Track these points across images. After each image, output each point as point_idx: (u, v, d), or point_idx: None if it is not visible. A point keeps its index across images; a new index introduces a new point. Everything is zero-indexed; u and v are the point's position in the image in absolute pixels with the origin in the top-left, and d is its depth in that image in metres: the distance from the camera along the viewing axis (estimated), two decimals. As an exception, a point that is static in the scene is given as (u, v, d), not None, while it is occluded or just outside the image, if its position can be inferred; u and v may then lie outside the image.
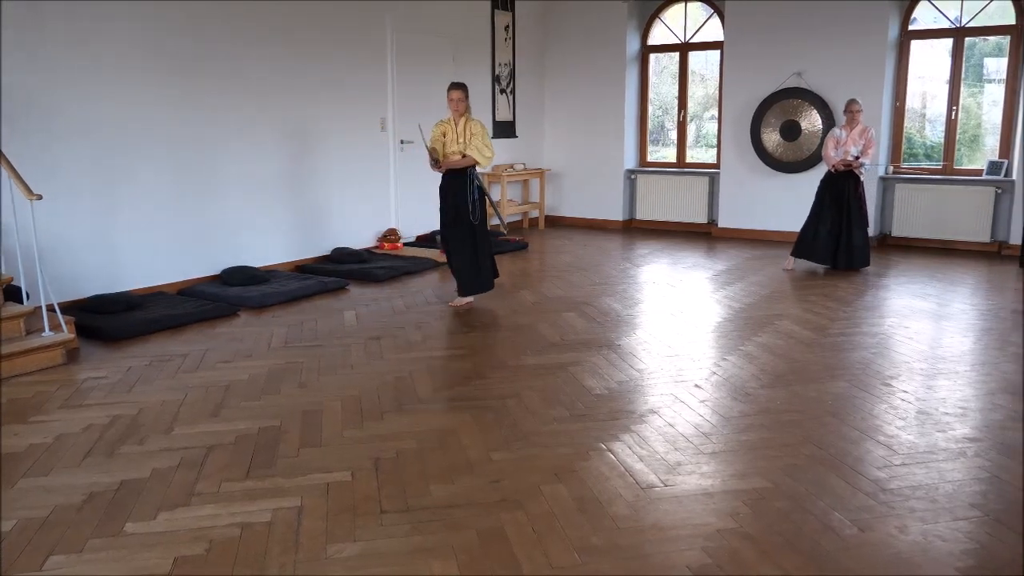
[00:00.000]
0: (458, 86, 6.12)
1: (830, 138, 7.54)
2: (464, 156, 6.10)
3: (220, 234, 7.01)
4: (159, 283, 6.58)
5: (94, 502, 3.08)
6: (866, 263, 7.57)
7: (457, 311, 6.13)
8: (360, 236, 8.40)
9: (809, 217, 7.63)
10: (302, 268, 7.58)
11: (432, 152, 6.12)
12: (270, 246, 7.46)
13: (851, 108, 7.46)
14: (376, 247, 8.50)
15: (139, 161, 6.37)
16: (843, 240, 7.48)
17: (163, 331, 5.54)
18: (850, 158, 7.39)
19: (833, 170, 7.48)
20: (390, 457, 3.45)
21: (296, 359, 4.90)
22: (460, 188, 6.18)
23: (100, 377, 4.58)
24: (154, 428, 3.81)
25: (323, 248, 7.98)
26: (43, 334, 4.83)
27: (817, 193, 7.63)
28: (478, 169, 6.23)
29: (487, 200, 6.37)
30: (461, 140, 6.09)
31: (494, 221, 8.93)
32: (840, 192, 7.45)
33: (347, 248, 7.99)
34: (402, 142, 8.73)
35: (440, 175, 6.33)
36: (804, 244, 7.62)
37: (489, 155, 6.12)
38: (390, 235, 8.53)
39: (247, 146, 7.17)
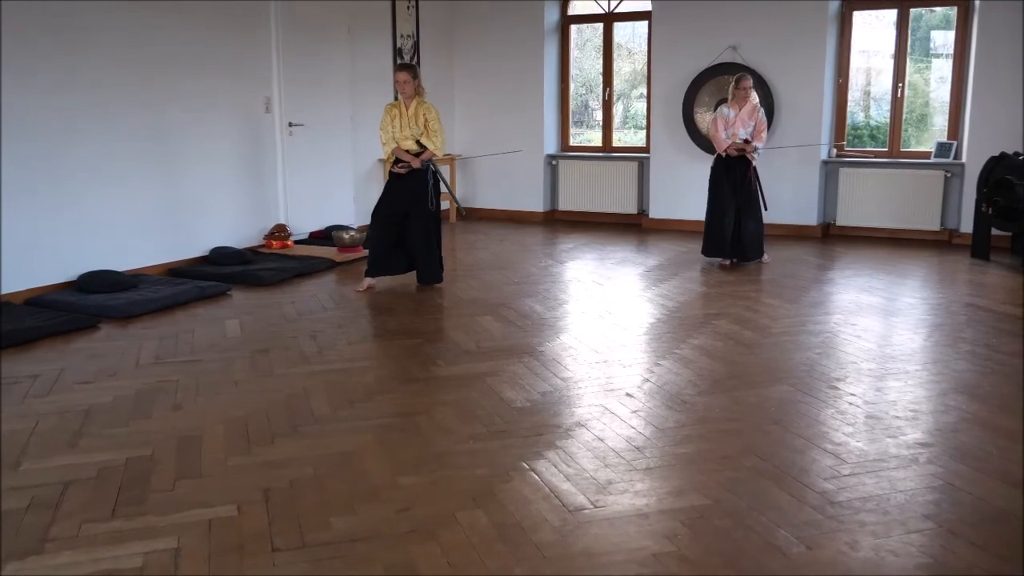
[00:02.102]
0: (403, 67, 6.66)
1: (718, 118, 7.65)
2: (422, 151, 6.63)
3: (75, 234, 6.77)
4: (1, 292, 6.33)
5: (-74, 553, 2.94)
6: (759, 254, 7.79)
7: (360, 295, 6.68)
8: (243, 234, 8.25)
9: (709, 211, 7.77)
10: (175, 271, 7.40)
11: (403, 159, 6.65)
12: (136, 247, 7.25)
13: (742, 84, 7.59)
14: (262, 246, 8.37)
15: (-25, 148, 6.12)
16: (735, 230, 7.67)
17: (7, 348, 5.32)
18: (739, 141, 7.59)
19: (724, 154, 7.65)
20: (283, 487, 3.40)
21: (170, 377, 4.77)
22: (419, 177, 6.66)
23: (-69, 405, 4.38)
24: (-1, 463, 3.66)
25: (200, 248, 7.80)
26: None
27: (711, 181, 7.77)
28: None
29: (442, 185, 6.91)
30: (414, 125, 6.59)
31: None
32: (733, 178, 7.63)
33: (228, 248, 7.84)
34: (290, 125, 8.62)
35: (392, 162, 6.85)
36: (712, 242, 7.76)
37: (440, 143, 6.68)
38: (278, 232, 8.40)
39: (103, 131, 6.95)
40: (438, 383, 4.67)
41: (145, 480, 3.48)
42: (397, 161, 6.70)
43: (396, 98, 6.71)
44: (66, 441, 3.89)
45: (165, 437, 3.92)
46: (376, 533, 3.03)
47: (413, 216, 6.69)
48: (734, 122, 7.59)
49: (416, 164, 6.60)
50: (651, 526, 3.06)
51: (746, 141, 7.58)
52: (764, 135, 7.66)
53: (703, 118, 9.55)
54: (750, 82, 7.64)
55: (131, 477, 3.51)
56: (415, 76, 6.61)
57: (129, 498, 3.32)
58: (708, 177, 7.84)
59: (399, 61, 9.92)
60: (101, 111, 6.91)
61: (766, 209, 7.80)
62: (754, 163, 7.65)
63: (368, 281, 6.81)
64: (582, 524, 3.09)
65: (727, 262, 7.75)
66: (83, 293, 6.50)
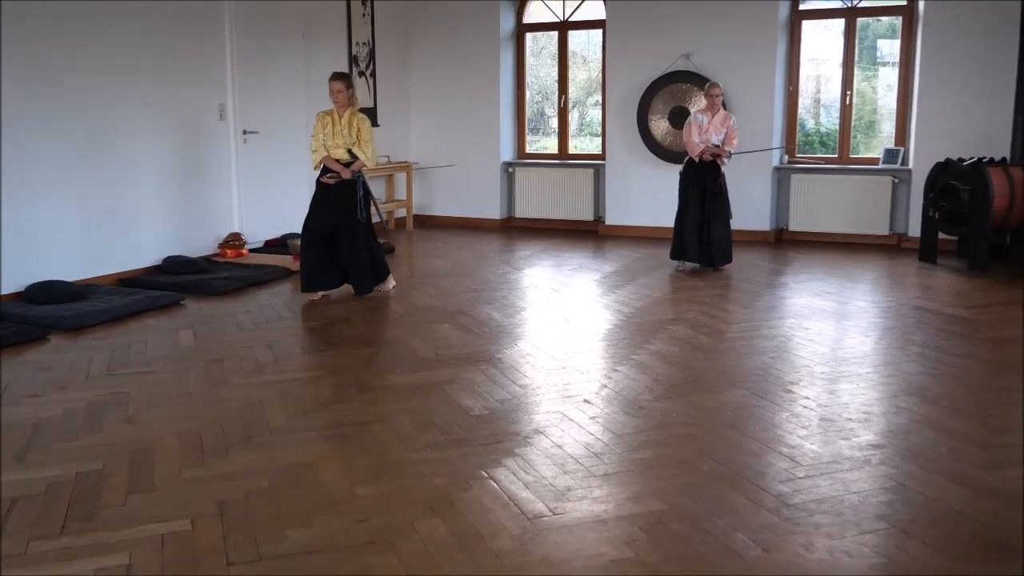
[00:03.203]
0: (338, 76, 6.66)
1: (692, 124, 7.72)
2: (352, 161, 6.62)
3: (23, 244, 6.62)
4: (-52, 304, 6.18)
5: None
6: (728, 260, 7.85)
7: (315, 304, 6.40)
8: (197, 242, 8.13)
9: (677, 214, 7.86)
10: (127, 281, 7.28)
11: (333, 169, 6.62)
12: (87, 256, 7.12)
13: (712, 93, 7.70)
14: (216, 255, 8.26)
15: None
16: (704, 235, 7.74)
17: (-46, 361, 5.20)
18: (712, 146, 7.66)
19: (697, 159, 7.71)
20: (238, 499, 3.35)
21: (122, 389, 4.69)
22: (349, 187, 6.62)
23: None
24: (-57, 479, 3.56)
25: (152, 257, 7.68)
26: None
27: (680, 185, 7.86)
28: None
29: (371, 198, 6.86)
30: (346, 133, 6.58)
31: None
32: (704, 184, 7.71)
33: (181, 256, 7.73)
34: (245, 132, 8.52)
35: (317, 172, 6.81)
36: (674, 246, 7.86)
37: (371, 154, 6.69)
38: (233, 240, 8.30)
39: (52, 139, 6.81)
40: (395, 392, 4.64)
41: (96, 495, 3.40)
42: (324, 171, 6.65)
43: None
44: (14, 456, 3.80)
45: (117, 450, 3.84)
46: (333, 544, 2.99)
47: (344, 228, 6.63)
48: (707, 128, 7.66)
49: (347, 174, 6.56)
50: (610, 532, 3.06)
51: (718, 146, 7.66)
52: (736, 142, 7.75)
53: (657, 125, 9.61)
54: (719, 89, 7.74)
55: (81, 492, 3.43)
56: (349, 85, 6.62)
57: (79, 514, 3.24)
58: (676, 182, 7.90)
59: (354, 68, 9.87)
60: (49, 118, 6.76)
61: (731, 217, 7.88)
62: (724, 168, 7.73)
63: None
64: (541, 531, 3.07)
65: (684, 267, 7.81)
66: (32, 304, 6.36)
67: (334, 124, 6.60)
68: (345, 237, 6.64)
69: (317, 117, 6.69)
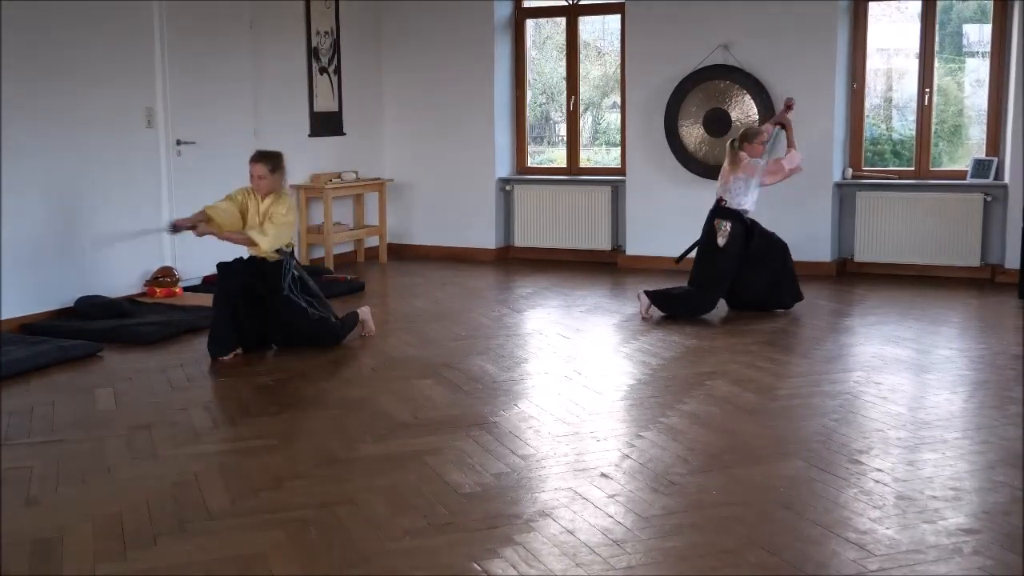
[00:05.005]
0: (263, 157, 6.60)
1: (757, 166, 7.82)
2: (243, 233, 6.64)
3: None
4: None
5: None
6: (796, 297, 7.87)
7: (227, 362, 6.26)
8: (119, 279, 8.16)
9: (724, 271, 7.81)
10: (31, 328, 7.29)
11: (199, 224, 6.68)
12: (-19, 298, 7.15)
13: (761, 140, 7.82)
14: (143, 294, 8.29)
15: None
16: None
17: None
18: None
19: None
20: (166, 601, 3.34)
21: (22, 463, 4.68)
22: (272, 278, 6.69)
23: None
24: None
25: (62, 298, 7.70)
26: None
27: (726, 250, 7.78)
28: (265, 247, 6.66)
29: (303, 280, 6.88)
30: (258, 222, 6.62)
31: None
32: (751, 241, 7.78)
33: (99, 297, 7.74)
34: (179, 143, 8.57)
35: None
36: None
37: (270, 239, 6.57)
38: (163, 277, 8.33)
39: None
40: (364, 465, 4.63)
41: (-12, 597, 3.39)
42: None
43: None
44: None
45: (15, 541, 3.82)
46: (287, 658, 2.98)
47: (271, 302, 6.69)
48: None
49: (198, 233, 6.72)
50: (634, 641, 3.04)
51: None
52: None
53: (690, 132, 9.66)
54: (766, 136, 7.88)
55: (-30, 593, 3.42)
56: (275, 168, 6.63)
57: (-32, 620, 3.23)
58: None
59: (314, 64, 9.92)
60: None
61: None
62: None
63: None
64: (548, 640, 3.06)
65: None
66: (-88, 357, 6.38)
67: (256, 207, 6.67)
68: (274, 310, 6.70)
69: (238, 189, 6.77)
